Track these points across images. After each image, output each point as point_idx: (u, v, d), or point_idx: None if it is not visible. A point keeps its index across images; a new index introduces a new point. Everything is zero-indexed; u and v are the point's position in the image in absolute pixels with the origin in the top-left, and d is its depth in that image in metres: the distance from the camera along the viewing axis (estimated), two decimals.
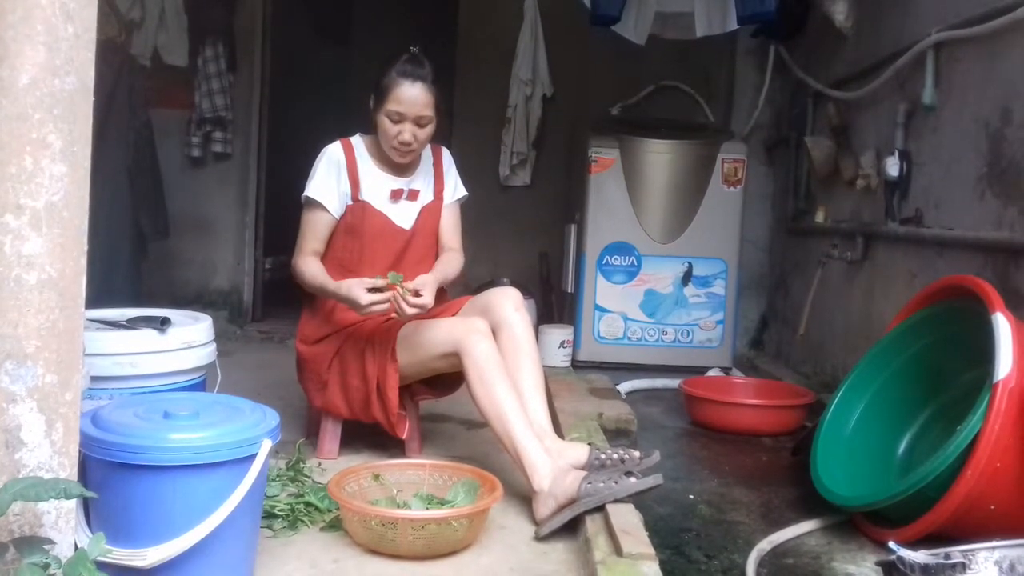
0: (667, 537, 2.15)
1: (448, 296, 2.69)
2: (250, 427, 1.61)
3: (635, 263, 4.29)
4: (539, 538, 2.01)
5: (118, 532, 1.50)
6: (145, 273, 4.41)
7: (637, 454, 2.15)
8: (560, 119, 4.98)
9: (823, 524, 2.23)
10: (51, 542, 1.35)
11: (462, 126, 5.05)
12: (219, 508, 1.53)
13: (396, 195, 2.59)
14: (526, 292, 4.12)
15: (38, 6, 1.32)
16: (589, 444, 2.28)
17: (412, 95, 2.43)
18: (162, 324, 2.21)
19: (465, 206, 2.77)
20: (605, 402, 3.16)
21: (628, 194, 4.27)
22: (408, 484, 2.15)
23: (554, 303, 4.85)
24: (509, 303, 2.41)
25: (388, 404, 2.40)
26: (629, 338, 4.29)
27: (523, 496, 2.18)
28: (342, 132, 2.66)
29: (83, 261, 1.39)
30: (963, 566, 1.51)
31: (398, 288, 2.29)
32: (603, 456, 2.16)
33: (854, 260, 3.48)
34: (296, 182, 2.72)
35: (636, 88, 4.90)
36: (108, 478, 1.51)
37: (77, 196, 1.37)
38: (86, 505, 1.55)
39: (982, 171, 2.68)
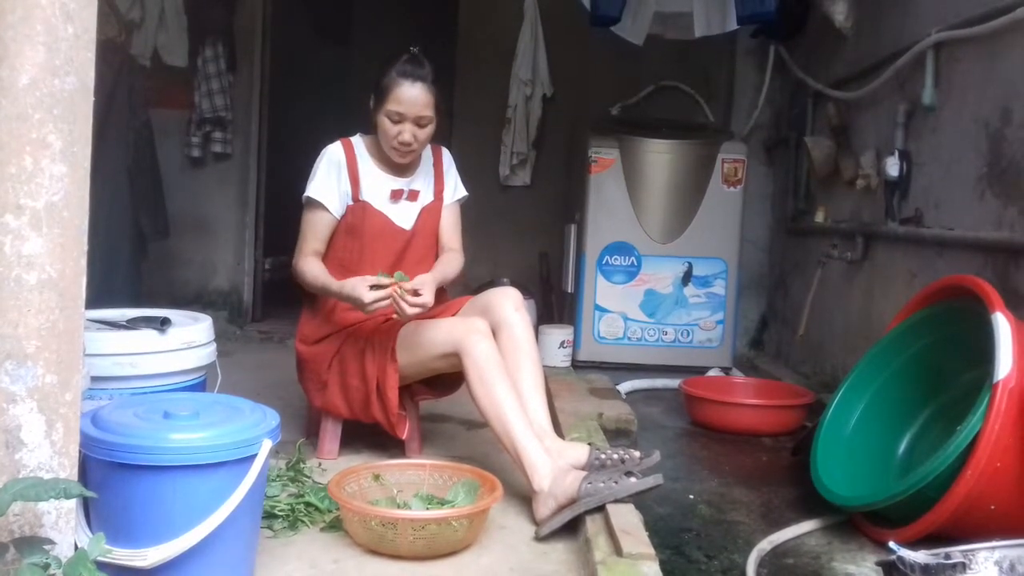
0: (667, 537, 2.15)
1: (448, 296, 2.69)
2: (250, 427, 1.61)
3: (635, 263, 4.29)
4: (539, 538, 2.01)
5: (118, 532, 1.50)
6: (145, 273, 4.41)
7: (637, 454, 2.16)
8: (560, 119, 4.98)
9: (823, 524, 2.23)
10: (51, 542, 1.35)
11: (462, 126, 5.05)
12: (219, 508, 1.53)
13: (396, 195, 2.59)
14: (526, 292, 4.12)
15: (38, 6, 1.32)
16: (589, 444, 2.28)
17: (412, 95, 2.43)
18: (162, 324, 2.21)
19: (465, 206, 2.77)
20: (605, 402, 3.16)
21: (628, 194, 4.27)
22: (408, 484, 2.15)
23: (554, 303, 4.85)
24: (509, 303, 2.41)
25: (388, 404, 2.40)
26: (629, 338, 4.29)
27: (523, 496, 2.18)
28: (342, 132, 2.66)
29: (83, 261, 1.39)
30: (963, 566, 1.51)
31: (397, 288, 2.29)
32: (603, 456, 2.16)
33: (854, 260, 3.48)
34: (296, 182, 2.72)
35: (636, 88, 4.90)
36: (108, 478, 1.51)
37: (77, 196, 1.37)
38: (86, 505, 1.55)
39: (982, 171, 2.68)
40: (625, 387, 3.74)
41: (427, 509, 2.02)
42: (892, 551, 1.56)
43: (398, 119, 2.45)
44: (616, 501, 1.95)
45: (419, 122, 2.46)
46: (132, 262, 4.20)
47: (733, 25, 3.96)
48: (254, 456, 1.58)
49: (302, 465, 2.30)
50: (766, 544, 2.08)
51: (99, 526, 1.52)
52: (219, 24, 4.62)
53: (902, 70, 3.16)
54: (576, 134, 4.68)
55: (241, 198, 4.90)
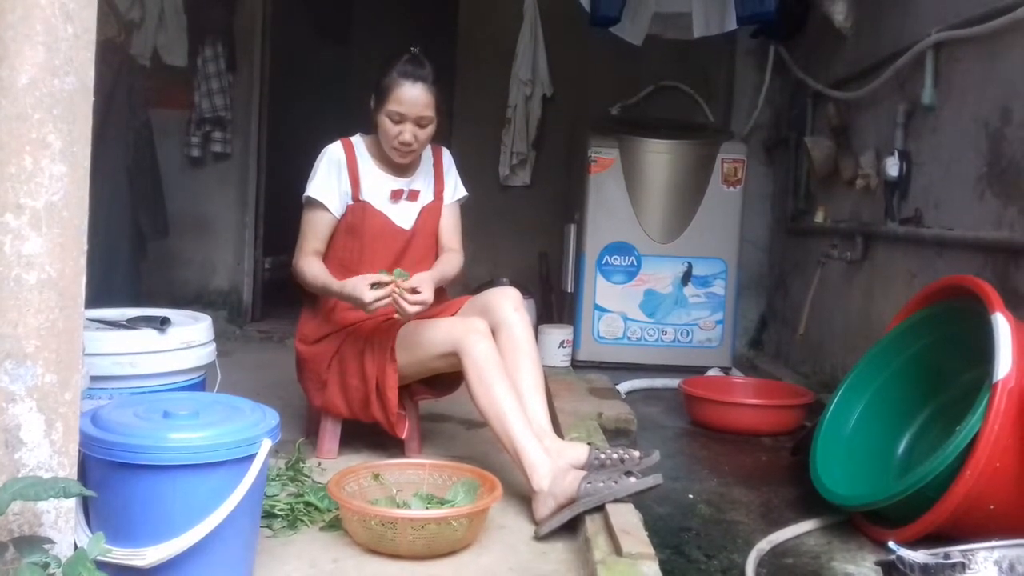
0: (667, 537, 2.15)
1: (448, 296, 2.69)
2: (250, 427, 1.61)
3: (635, 263, 4.29)
4: (538, 538, 2.01)
5: (117, 531, 1.50)
6: (144, 273, 4.41)
7: (637, 454, 2.16)
8: (560, 119, 4.98)
9: (822, 524, 2.23)
10: (51, 541, 1.35)
11: (462, 126, 5.05)
12: (219, 508, 1.53)
13: (396, 195, 2.59)
14: (526, 292, 4.12)
15: (37, 6, 1.32)
16: (589, 444, 2.28)
17: (413, 95, 2.43)
18: (162, 324, 2.21)
19: (465, 206, 2.77)
20: (605, 402, 3.16)
21: (628, 194, 4.27)
22: (408, 484, 2.15)
23: (554, 303, 4.85)
24: (508, 303, 2.41)
25: (387, 404, 2.40)
26: (629, 338, 4.30)
27: (523, 496, 2.18)
28: (342, 132, 2.66)
29: (83, 261, 1.39)
30: (962, 566, 1.51)
31: (396, 287, 2.29)
32: (603, 456, 2.16)
33: (854, 260, 3.49)
34: (296, 182, 2.72)
35: (636, 88, 4.90)
36: (108, 478, 1.51)
37: (77, 196, 1.37)
38: (86, 504, 1.55)
39: (982, 171, 2.68)
40: (624, 387, 3.74)
41: (427, 509, 2.02)
42: (891, 551, 1.56)
43: (399, 119, 2.45)
44: (615, 501, 1.95)
45: (420, 122, 2.46)
46: (132, 262, 4.20)
47: (733, 25, 3.96)
48: (253, 456, 1.58)
49: (301, 464, 2.31)
50: (765, 544, 2.08)
51: (98, 525, 1.52)
52: (219, 24, 4.63)
53: (902, 70, 3.16)
54: (576, 134, 4.68)
55: (241, 198, 4.90)
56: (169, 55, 4.39)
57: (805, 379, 3.83)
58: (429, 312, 2.41)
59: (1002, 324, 1.98)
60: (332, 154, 2.55)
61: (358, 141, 2.61)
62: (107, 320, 2.30)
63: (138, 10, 4.23)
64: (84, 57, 1.37)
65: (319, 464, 2.42)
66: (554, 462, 2.10)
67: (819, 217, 3.92)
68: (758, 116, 4.66)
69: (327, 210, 2.52)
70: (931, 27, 2.95)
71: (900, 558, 1.53)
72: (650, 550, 1.75)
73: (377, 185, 2.57)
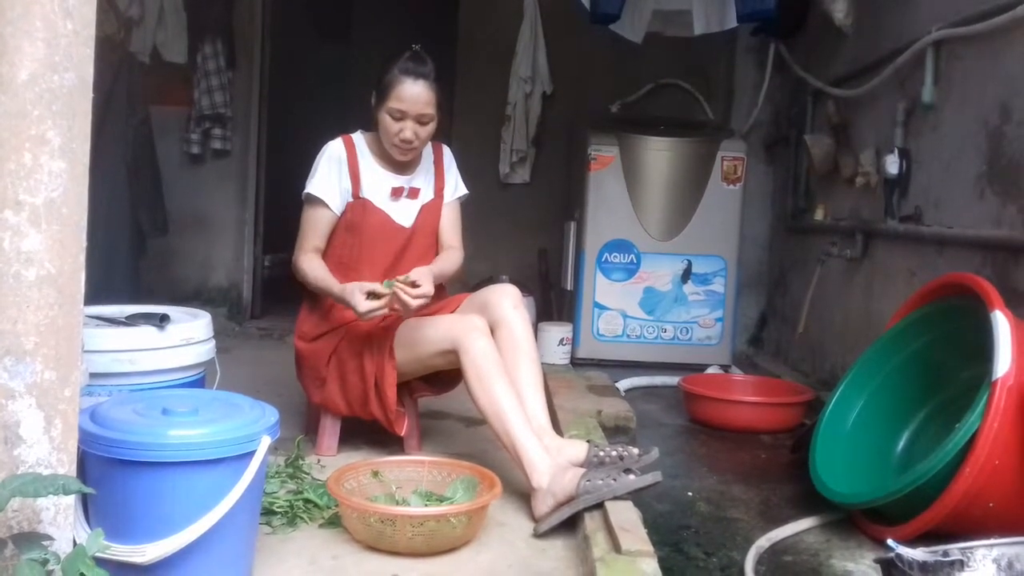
0: (666, 534, 2.15)
1: (447, 294, 2.69)
2: (249, 424, 1.61)
3: (634, 261, 4.29)
4: (538, 535, 2.01)
5: (117, 528, 1.50)
6: (144, 270, 4.41)
7: (636, 451, 2.16)
8: (560, 117, 4.98)
9: (822, 521, 2.23)
10: (50, 538, 1.35)
11: (462, 123, 5.05)
12: (218, 505, 1.53)
13: (397, 193, 2.58)
14: (525, 289, 4.12)
15: (37, 3, 1.32)
16: (588, 441, 2.28)
17: (414, 93, 2.43)
18: (161, 321, 2.21)
19: (464, 204, 2.77)
20: (604, 399, 3.16)
21: (627, 192, 4.27)
22: (407, 481, 2.15)
23: (553, 300, 4.85)
24: (507, 301, 2.41)
25: (386, 401, 2.40)
26: (628, 335, 4.30)
27: (522, 493, 2.18)
28: (341, 129, 2.66)
29: (82, 258, 1.39)
30: (961, 563, 1.51)
31: (397, 284, 2.29)
32: (601, 453, 2.16)
33: (853, 258, 3.48)
34: (295, 179, 2.72)
35: (636, 86, 4.90)
36: (107, 474, 1.51)
37: (76, 192, 1.37)
38: (85, 501, 1.55)
39: (982, 169, 2.68)
40: (624, 384, 3.74)
41: (426, 506, 2.02)
42: (891, 548, 1.56)
43: (400, 116, 2.45)
44: (615, 498, 1.95)
45: (421, 120, 2.46)
46: (131, 258, 4.20)
47: (733, 23, 3.96)
48: (253, 452, 1.58)
49: (301, 461, 2.31)
50: (765, 541, 2.08)
51: (98, 522, 1.52)
52: (218, 21, 4.62)
53: (902, 68, 3.16)
54: (576, 132, 4.68)
55: (240, 195, 4.90)
56: (169, 52, 4.39)
57: (805, 377, 3.83)
58: (428, 309, 2.41)
59: (1001, 322, 1.98)
60: (332, 151, 2.54)
61: (359, 138, 2.60)
62: (106, 317, 2.30)
63: (138, 7, 4.22)
64: (83, 53, 1.37)
65: (318, 461, 2.42)
66: (553, 460, 2.10)
67: (819, 215, 3.92)
68: (758, 114, 4.65)
69: (327, 207, 2.52)
70: (931, 25, 2.95)
71: (899, 556, 1.53)
72: (649, 548, 1.75)
73: (377, 182, 2.56)
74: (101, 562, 1.36)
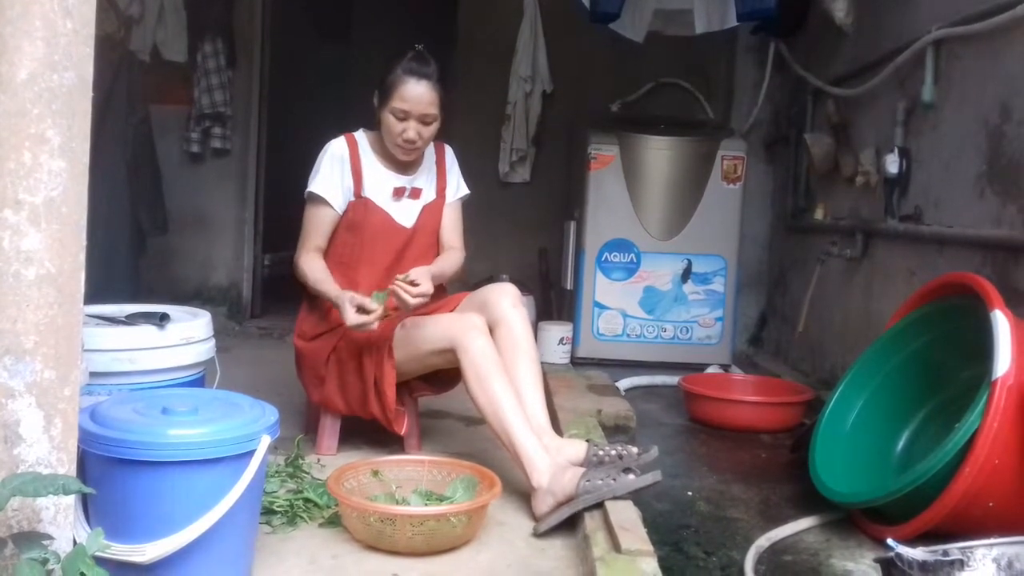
0: (666, 533, 2.15)
1: (447, 293, 2.69)
2: (249, 423, 1.61)
3: (634, 260, 4.29)
4: (537, 535, 2.01)
5: (117, 528, 1.50)
6: (144, 269, 4.41)
7: (635, 450, 2.16)
8: (560, 116, 4.97)
9: (822, 521, 2.23)
10: (50, 537, 1.35)
11: (462, 122, 5.04)
12: (218, 504, 1.53)
13: (398, 193, 2.58)
14: (525, 289, 4.13)
15: (37, 2, 1.32)
16: (587, 441, 2.27)
17: (418, 93, 2.43)
18: (161, 320, 2.21)
19: (465, 203, 2.77)
20: (604, 399, 3.15)
21: (627, 191, 4.27)
22: (407, 480, 2.15)
23: (553, 300, 4.85)
24: (506, 299, 2.41)
25: (385, 400, 2.40)
26: (628, 335, 4.29)
27: (522, 492, 2.18)
28: (341, 129, 2.65)
29: (82, 257, 1.39)
30: (961, 563, 1.51)
31: (397, 282, 2.29)
32: (601, 452, 2.16)
33: (853, 257, 3.48)
34: (295, 178, 2.72)
35: (636, 85, 4.89)
36: (107, 474, 1.51)
37: (76, 192, 1.37)
38: (85, 500, 1.55)
39: (981, 168, 2.68)
40: (624, 384, 3.74)
41: (426, 505, 2.02)
42: (890, 548, 1.56)
43: (403, 116, 2.44)
44: (615, 498, 1.95)
45: (424, 120, 2.46)
46: (131, 257, 4.20)
47: (733, 22, 3.95)
48: (253, 452, 1.58)
49: (301, 461, 2.31)
50: (764, 541, 2.08)
51: (98, 521, 1.52)
52: (218, 20, 4.62)
53: (902, 67, 3.16)
54: (576, 131, 4.67)
55: (240, 194, 4.90)
56: (169, 51, 4.39)
57: (804, 376, 3.83)
58: (427, 308, 2.41)
59: (1001, 321, 1.98)
60: (335, 149, 2.54)
61: (361, 137, 2.60)
62: (106, 316, 2.30)
63: (137, 6, 4.23)
64: (83, 52, 1.37)
65: (318, 460, 2.42)
66: (552, 459, 2.10)
67: (819, 214, 3.92)
68: (758, 113, 4.65)
69: (330, 206, 2.51)
70: (931, 24, 2.95)
71: (899, 555, 1.53)
72: (649, 547, 1.75)
73: (379, 182, 2.56)
74: (101, 561, 1.36)
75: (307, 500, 2.08)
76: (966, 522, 1.90)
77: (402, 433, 2.49)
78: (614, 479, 1.97)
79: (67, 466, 1.39)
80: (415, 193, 2.61)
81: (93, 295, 1.66)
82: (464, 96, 5.04)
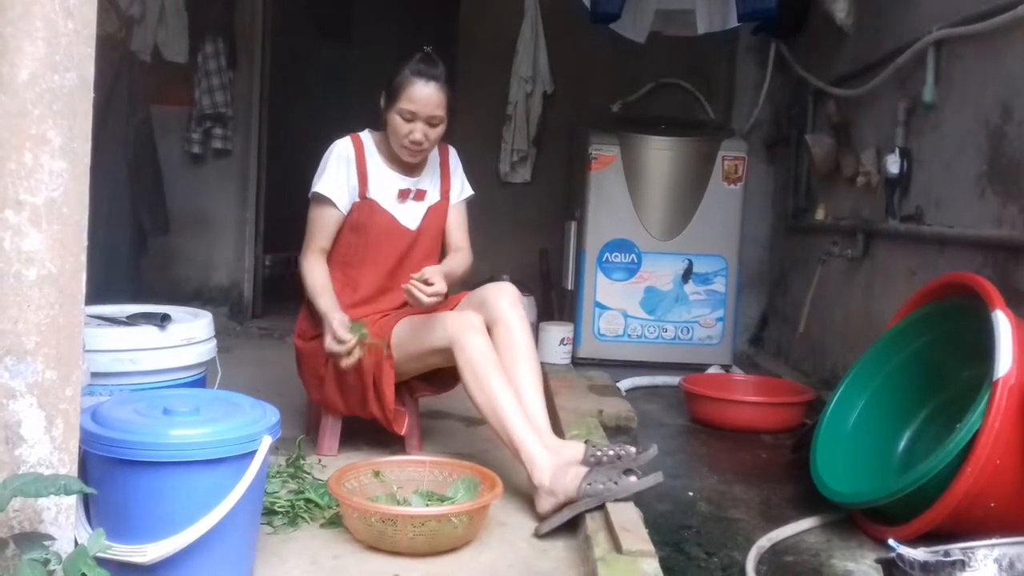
0: (667, 534, 2.15)
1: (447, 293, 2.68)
2: (250, 423, 1.61)
3: (635, 260, 4.29)
4: (539, 535, 2.01)
5: (118, 528, 1.50)
6: (145, 269, 4.42)
7: (633, 450, 2.14)
8: (560, 116, 4.97)
9: (823, 521, 2.23)
10: (51, 538, 1.35)
11: (463, 123, 5.03)
12: (219, 504, 1.53)
13: (403, 195, 2.58)
14: (526, 289, 4.13)
15: (38, 2, 1.32)
16: (585, 442, 2.26)
17: (426, 94, 2.42)
18: (162, 320, 2.21)
19: (468, 204, 2.76)
20: (605, 399, 3.16)
21: (628, 191, 4.27)
22: (408, 481, 2.15)
23: (554, 300, 4.85)
24: (505, 299, 2.40)
25: (384, 400, 2.40)
26: (629, 335, 4.29)
27: (523, 493, 2.18)
28: (342, 128, 2.65)
29: (83, 257, 1.39)
30: (963, 564, 1.51)
31: (412, 281, 2.29)
32: (599, 453, 2.14)
33: (854, 258, 3.48)
34: (296, 178, 2.72)
35: (636, 85, 4.89)
36: (108, 474, 1.51)
37: (77, 192, 1.37)
38: (86, 501, 1.55)
39: (982, 169, 2.67)
40: (625, 384, 3.74)
41: (427, 506, 2.02)
42: (892, 548, 1.56)
43: (410, 118, 2.44)
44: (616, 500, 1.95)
45: (431, 121, 2.45)
46: (132, 258, 4.20)
47: (734, 22, 3.96)
48: (254, 452, 1.58)
49: (302, 461, 2.31)
50: (765, 541, 2.08)
51: (99, 522, 1.52)
52: (219, 20, 4.62)
53: (903, 67, 3.16)
54: (576, 131, 4.67)
55: (241, 194, 4.90)
56: (170, 51, 4.39)
57: (805, 376, 3.83)
58: (426, 308, 2.41)
59: (1002, 321, 1.98)
60: (341, 149, 2.54)
61: (367, 137, 2.60)
62: (107, 316, 2.30)
63: (138, 6, 4.23)
64: (84, 53, 1.37)
65: (319, 461, 2.42)
66: (553, 458, 2.09)
67: (820, 214, 3.92)
68: (759, 113, 4.65)
69: (335, 207, 2.51)
70: (932, 24, 2.94)
71: (900, 556, 1.53)
72: (650, 547, 1.75)
73: (385, 183, 2.56)
74: (102, 562, 1.36)
75: (308, 500, 2.08)
76: (967, 523, 1.90)
77: (402, 433, 2.49)
78: (616, 481, 1.97)
79: (68, 467, 1.39)
80: (420, 195, 2.61)
81: (94, 295, 1.66)
82: (465, 96, 5.03)
